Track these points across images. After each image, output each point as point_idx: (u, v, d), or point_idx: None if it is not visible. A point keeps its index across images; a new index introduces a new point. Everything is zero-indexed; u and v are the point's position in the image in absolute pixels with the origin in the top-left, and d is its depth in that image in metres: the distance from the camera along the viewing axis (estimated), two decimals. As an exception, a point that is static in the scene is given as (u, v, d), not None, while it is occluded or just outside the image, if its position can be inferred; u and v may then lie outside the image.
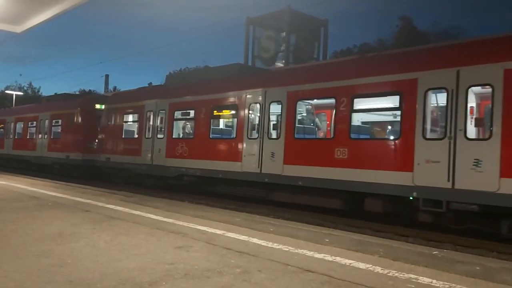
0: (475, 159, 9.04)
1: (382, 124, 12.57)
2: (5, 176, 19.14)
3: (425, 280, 4.97)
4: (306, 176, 12.13)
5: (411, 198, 10.09)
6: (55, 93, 29.02)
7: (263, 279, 4.85)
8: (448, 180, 9.38)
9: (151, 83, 21.25)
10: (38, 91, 72.98)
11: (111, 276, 4.77)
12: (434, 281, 4.95)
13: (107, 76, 60.28)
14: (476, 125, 9.71)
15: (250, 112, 14.11)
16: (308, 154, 12.32)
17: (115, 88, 63.11)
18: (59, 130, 24.45)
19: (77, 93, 58.41)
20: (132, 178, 19.02)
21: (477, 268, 5.66)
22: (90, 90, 63.27)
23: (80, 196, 12.15)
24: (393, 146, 10.70)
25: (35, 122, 26.64)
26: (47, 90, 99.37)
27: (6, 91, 65.52)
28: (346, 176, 11.23)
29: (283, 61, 28.46)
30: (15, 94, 57.17)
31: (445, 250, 7.24)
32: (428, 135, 10.01)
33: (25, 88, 72.53)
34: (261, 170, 13.36)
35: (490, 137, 9.01)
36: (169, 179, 17.10)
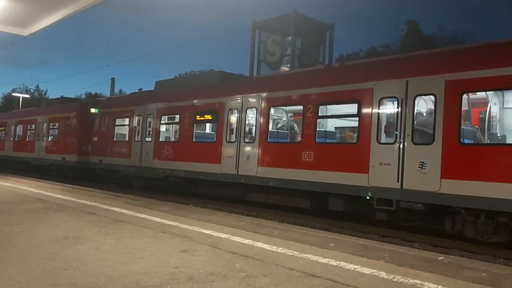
0: (420, 162, 9.74)
1: (344, 130, 13.28)
2: (12, 179, 19.26)
3: (431, 286, 4.94)
4: (277, 177, 12.85)
5: (367, 197, 10.74)
6: (62, 96, 29.30)
7: (268, 283, 4.84)
8: (398, 181, 10.08)
9: (141, 88, 21.76)
10: (45, 94, 73.48)
11: (116, 280, 4.78)
12: (440, 287, 4.91)
13: (113, 79, 60.74)
14: (420, 131, 10.34)
15: (229, 117, 14.79)
16: (279, 157, 13.12)
17: (120, 91, 63.48)
18: (56, 133, 25.07)
19: (84, 96, 58.63)
20: (122, 179, 19.66)
21: (484, 274, 5.61)
22: (96, 93, 63.63)
23: (86, 199, 12.19)
24: (352, 150, 11.42)
25: (34, 125, 27.21)
26: (54, 92, 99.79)
27: (13, 94, 66.08)
28: (311, 177, 11.93)
29: (289, 65, 28.42)
30: (22, 97, 57.59)
31: (451, 256, 7.18)
32: (382, 140, 10.69)
33: (31, 90, 73.06)
34: (238, 172, 14.05)
35: (433, 141, 9.65)
36: (156, 180, 17.77)
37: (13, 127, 29.85)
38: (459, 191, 9.13)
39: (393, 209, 10.23)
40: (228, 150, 14.50)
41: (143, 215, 9.54)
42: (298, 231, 8.54)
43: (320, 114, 12.25)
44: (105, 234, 7.29)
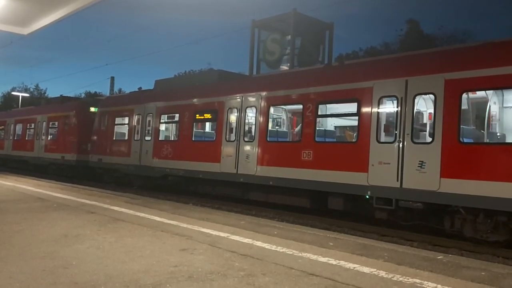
0: (419, 161, 9.77)
1: (343, 129, 13.30)
2: (11, 177, 19.25)
3: (430, 285, 4.95)
4: (276, 176, 12.88)
5: (367, 196, 10.78)
6: (61, 95, 29.27)
7: (267, 282, 4.84)
8: (397, 180, 10.10)
9: (140, 88, 21.76)
10: (45, 93, 73.39)
11: (116, 278, 4.78)
12: (439, 286, 4.92)
13: (112, 78, 60.60)
14: (420, 130, 10.39)
15: (229, 116, 14.80)
16: (278, 156, 13.16)
17: (120, 90, 63.37)
18: (56, 132, 25.11)
19: (83, 95, 58.54)
20: (122, 178, 19.70)
21: (483, 273, 5.61)
22: (95, 92, 63.54)
23: (85, 198, 12.19)
24: (351, 149, 11.45)
25: (33, 124, 27.24)
26: (53, 91, 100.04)
27: (13, 93, 66.01)
28: (311, 176, 11.96)
29: (288, 64, 28.41)
30: (21, 96, 57.53)
31: (450, 255, 7.19)
32: (381, 139, 10.70)
33: (31, 89, 72.96)
34: (237, 171, 14.09)
35: (432, 140, 9.70)
36: (155, 179, 17.82)
37: (12, 126, 29.86)
38: (458, 190, 9.16)
39: (393, 208, 10.27)
40: (227, 149, 14.52)
41: (142, 214, 9.55)
42: (297, 230, 8.55)
43: (319, 113, 12.28)
44: (105, 233, 7.29)
